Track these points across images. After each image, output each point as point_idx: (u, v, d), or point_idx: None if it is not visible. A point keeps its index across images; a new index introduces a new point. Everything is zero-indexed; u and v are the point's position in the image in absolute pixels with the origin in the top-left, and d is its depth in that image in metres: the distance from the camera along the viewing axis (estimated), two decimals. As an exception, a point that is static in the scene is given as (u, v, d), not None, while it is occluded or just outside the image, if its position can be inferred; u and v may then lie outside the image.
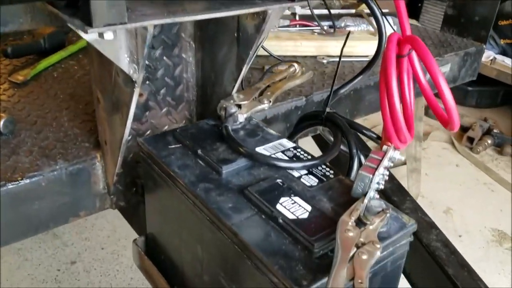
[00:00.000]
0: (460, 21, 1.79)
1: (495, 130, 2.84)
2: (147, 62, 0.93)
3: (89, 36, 0.65)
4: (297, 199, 0.66)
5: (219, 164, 0.71)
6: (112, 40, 0.66)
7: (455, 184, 2.48)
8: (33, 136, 1.01)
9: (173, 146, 0.78)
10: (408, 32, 0.75)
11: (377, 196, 0.66)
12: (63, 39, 1.43)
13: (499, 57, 2.80)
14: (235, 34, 0.87)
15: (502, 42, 2.85)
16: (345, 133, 0.80)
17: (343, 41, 0.86)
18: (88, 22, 0.61)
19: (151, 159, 0.77)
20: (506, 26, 2.81)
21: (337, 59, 0.91)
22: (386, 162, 0.67)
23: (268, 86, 0.94)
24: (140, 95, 0.96)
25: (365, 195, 0.64)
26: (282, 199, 0.65)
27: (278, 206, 0.64)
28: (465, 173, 2.60)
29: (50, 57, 1.34)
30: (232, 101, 0.86)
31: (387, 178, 0.68)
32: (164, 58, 0.96)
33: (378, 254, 0.56)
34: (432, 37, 1.79)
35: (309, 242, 0.58)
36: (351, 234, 0.57)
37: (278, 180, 0.69)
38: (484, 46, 1.76)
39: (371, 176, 0.64)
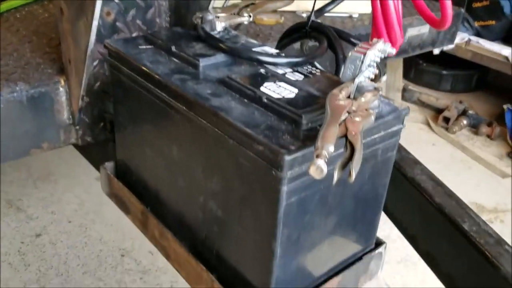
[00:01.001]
0: (437, -14, 1.77)
1: (470, 111, 2.86)
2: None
3: None
4: (282, 84, 0.60)
5: (196, 58, 0.65)
6: None
7: (432, 162, 2.46)
8: (-7, 62, 0.93)
9: (144, 47, 0.71)
10: None
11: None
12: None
13: (474, 39, 2.82)
14: None
15: (476, 24, 2.87)
16: (331, 39, 0.75)
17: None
18: None
19: (120, 59, 0.70)
20: (480, 8, 2.83)
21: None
22: (376, 50, 0.62)
23: (247, 6, 0.88)
24: (108, 13, 0.89)
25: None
26: (266, 84, 0.60)
27: (262, 89, 0.58)
28: (441, 151, 2.60)
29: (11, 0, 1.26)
30: (208, 12, 0.80)
31: (377, 72, 0.63)
32: (136, -20, 0.89)
33: (372, 119, 0.50)
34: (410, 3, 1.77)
35: (297, 114, 0.52)
36: (342, 102, 0.51)
37: (262, 70, 0.63)
38: (462, 10, 1.75)
39: (362, 56, 0.59)
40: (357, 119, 0.49)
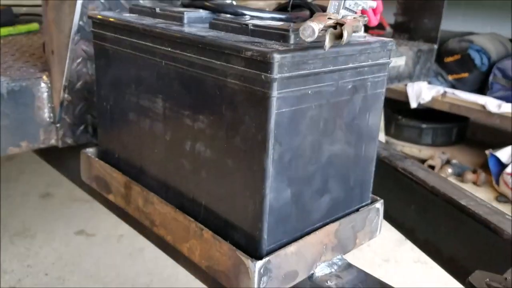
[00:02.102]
0: (410, 26, 1.87)
1: (454, 161, 2.89)
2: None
3: None
4: (267, 21, 0.60)
5: (180, 12, 0.65)
6: None
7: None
8: (-28, 64, 0.92)
9: (127, 14, 0.72)
10: None
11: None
12: (12, 18, 1.38)
13: (449, 90, 2.93)
14: None
15: (450, 77, 3.00)
16: (311, 8, 0.76)
17: None
18: None
19: (104, 26, 0.70)
20: (453, 62, 2.97)
21: None
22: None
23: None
24: (93, 10, 0.91)
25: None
26: (252, 19, 0.60)
27: (248, 20, 0.58)
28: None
29: (-2, 29, 1.28)
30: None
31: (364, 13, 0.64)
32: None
33: (360, 24, 0.50)
34: (385, 41, 1.86)
35: (285, 30, 0.52)
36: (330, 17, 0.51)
37: (246, 18, 0.64)
38: (435, 46, 1.83)
39: (344, -7, 0.60)
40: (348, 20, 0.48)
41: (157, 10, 0.68)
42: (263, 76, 0.48)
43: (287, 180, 0.52)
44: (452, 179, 2.81)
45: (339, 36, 0.45)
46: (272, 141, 0.49)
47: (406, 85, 3.03)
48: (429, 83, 3.05)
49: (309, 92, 0.51)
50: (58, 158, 1.12)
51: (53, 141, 0.93)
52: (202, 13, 0.67)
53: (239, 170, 0.53)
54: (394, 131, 3.31)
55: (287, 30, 0.51)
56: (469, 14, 3.57)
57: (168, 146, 0.63)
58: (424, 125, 3.24)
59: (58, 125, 0.90)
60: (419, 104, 3.07)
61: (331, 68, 0.53)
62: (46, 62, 0.95)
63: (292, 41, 0.51)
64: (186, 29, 0.61)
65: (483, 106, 2.80)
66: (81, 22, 0.84)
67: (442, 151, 3.04)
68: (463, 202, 0.82)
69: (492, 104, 2.77)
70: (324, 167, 0.56)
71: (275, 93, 0.48)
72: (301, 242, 0.55)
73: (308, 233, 0.57)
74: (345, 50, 0.53)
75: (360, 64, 0.56)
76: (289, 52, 0.48)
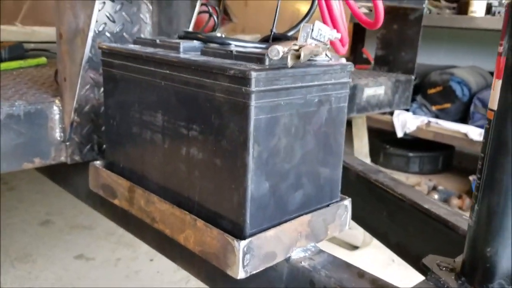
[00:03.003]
0: (389, 59, 2.03)
1: (440, 187, 3.00)
2: (106, 13, 1.03)
3: None
4: (249, 48, 0.73)
5: (177, 43, 0.78)
6: None
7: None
8: (-8, 91, 1.05)
9: (131, 45, 0.85)
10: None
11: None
12: (23, 53, 1.51)
13: (433, 120, 3.08)
14: (190, -24, 1.00)
15: (433, 108, 3.16)
16: (289, 40, 0.90)
17: None
18: None
19: (112, 54, 0.83)
20: (435, 94, 3.14)
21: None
22: (322, 25, 0.76)
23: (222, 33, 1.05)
24: (99, 44, 1.04)
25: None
26: (236, 46, 0.73)
27: (233, 48, 0.71)
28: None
29: (9, 63, 1.41)
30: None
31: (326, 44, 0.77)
32: (123, 13, 1.06)
33: (319, 49, 0.63)
34: (367, 72, 2.01)
35: (261, 54, 0.65)
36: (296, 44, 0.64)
37: (232, 47, 0.77)
38: (413, 77, 1.98)
39: (311, 26, 0.73)
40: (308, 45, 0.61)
41: (157, 41, 0.81)
42: (243, 89, 0.60)
43: (265, 175, 0.64)
44: (439, 205, 2.92)
45: (299, 56, 0.58)
46: (252, 142, 0.61)
47: (392, 115, 3.18)
48: (414, 113, 3.21)
49: (282, 103, 0.63)
50: (64, 175, 1.23)
51: (62, 158, 1.04)
52: (195, 43, 0.79)
53: (226, 168, 0.64)
54: (383, 160, 3.44)
55: (263, 54, 0.64)
56: (451, 48, 3.77)
57: (166, 152, 0.74)
58: (411, 154, 3.37)
59: (67, 143, 1.02)
60: (405, 134, 3.21)
61: (300, 84, 0.65)
62: (58, 89, 1.07)
63: (267, 63, 0.64)
64: (182, 55, 0.73)
65: (466, 135, 2.94)
66: (90, 54, 0.97)
67: (429, 179, 3.16)
68: (426, 206, 0.93)
69: (474, 132, 2.91)
70: (296, 166, 0.68)
71: (253, 103, 0.60)
72: (279, 228, 0.66)
73: (285, 222, 0.67)
74: (311, 70, 0.66)
75: (325, 82, 0.69)
76: (263, 70, 0.60)
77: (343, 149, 0.75)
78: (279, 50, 0.56)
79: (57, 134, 1.02)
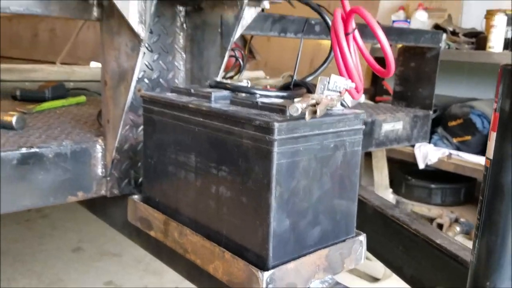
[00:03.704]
0: (407, 95, 2.10)
1: (462, 219, 3.01)
2: (146, 63, 1.15)
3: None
4: (272, 99, 0.82)
5: (209, 92, 0.88)
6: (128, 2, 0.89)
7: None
8: (42, 131, 1.17)
9: (169, 94, 0.95)
10: (348, 7, 1.01)
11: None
12: (64, 92, 1.65)
13: (454, 152, 3.11)
14: (219, 30, 1.11)
15: (454, 140, 3.19)
16: (308, 87, 0.99)
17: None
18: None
19: (152, 102, 0.93)
20: (456, 126, 3.18)
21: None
22: (338, 78, 0.85)
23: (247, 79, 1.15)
24: (139, 89, 1.16)
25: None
26: (260, 99, 0.82)
27: (258, 98, 0.81)
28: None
29: (53, 102, 1.55)
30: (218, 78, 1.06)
31: (343, 93, 0.86)
32: (160, 62, 1.18)
33: (334, 102, 0.71)
34: (385, 107, 2.08)
35: (283, 106, 0.74)
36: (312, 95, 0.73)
37: (257, 96, 0.86)
38: (431, 112, 2.05)
39: (328, 78, 0.82)
40: (324, 99, 0.70)
41: (192, 90, 0.92)
42: (267, 138, 0.69)
43: (286, 213, 0.72)
44: (460, 237, 2.92)
45: (315, 112, 0.67)
46: (274, 184, 0.69)
47: (413, 146, 3.22)
48: (435, 145, 3.24)
49: (301, 148, 0.72)
50: (102, 207, 1.33)
51: (103, 192, 1.14)
52: (225, 92, 0.89)
53: (251, 206, 0.73)
54: (405, 191, 3.46)
55: (284, 106, 0.73)
56: (471, 81, 3.81)
57: (198, 190, 0.84)
58: (433, 186, 3.39)
59: (108, 178, 1.12)
60: (427, 165, 3.24)
61: (317, 132, 0.74)
62: (100, 128, 1.18)
63: (288, 114, 0.73)
64: (213, 105, 0.83)
65: (487, 167, 2.96)
66: (131, 99, 1.08)
67: (451, 210, 3.17)
68: (438, 241, 0.99)
69: (495, 164, 2.93)
70: (314, 204, 0.76)
71: (276, 149, 0.69)
72: (298, 261, 0.74)
73: (304, 255, 0.75)
74: (327, 120, 0.75)
75: (339, 129, 0.77)
76: (285, 121, 0.69)
77: (358, 188, 0.83)
78: (298, 108, 0.65)
79: (99, 170, 1.12)
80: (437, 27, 3.27)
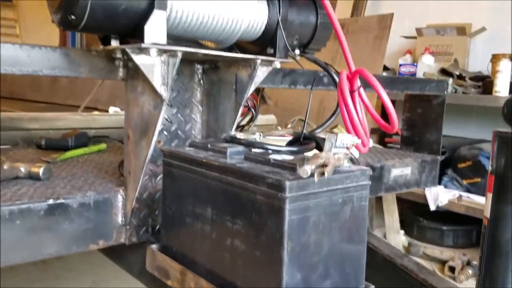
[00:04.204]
0: (414, 140, 2.15)
1: (474, 262, 2.98)
2: (166, 117, 1.23)
3: (138, 58, 0.96)
4: (283, 156, 0.88)
5: (224, 148, 0.95)
6: (152, 63, 0.98)
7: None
8: (66, 181, 1.24)
9: (188, 148, 1.02)
10: (353, 67, 1.08)
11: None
12: (86, 141, 1.73)
13: (464, 194, 3.13)
14: (234, 87, 1.19)
15: (464, 182, 3.21)
16: (317, 141, 1.05)
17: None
18: (141, 41, 0.93)
19: (172, 156, 1.00)
20: (465, 168, 3.20)
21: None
22: (344, 136, 0.91)
23: (259, 132, 1.22)
24: (158, 141, 1.23)
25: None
26: (272, 155, 0.88)
27: (270, 157, 0.87)
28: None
29: (75, 150, 1.63)
30: (232, 133, 1.13)
31: (350, 148, 0.92)
32: (179, 115, 1.26)
33: (342, 162, 0.77)
34: (394, 152, 2.14)
35: (293, 164, 0.80)
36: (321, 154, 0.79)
37: (269, 152, 0.92)
38: (438, 157, 2.09)
39: (335, 136, 0.88)
40: (332, 159, 0.76)
41: (208, 145, 0.98)
42: (279, 195, 0.75)
43: (298, 267, 0.77)
44: (473, 280, 2.89)
45: (323, 173, 0.73)
46: (286, 239, 0.74)
47: (424, 188, 3.24)
48: (445, 187, 3.26)
49: (311, 205, 0.77)
50: (120, 254, 1.38)
51: (122, 240, 1.19)
52: (239, 147, 0.96)
53: (264, 259, 0.78)
54: (417, 232, 3.45)
55: (295, 164, 0.79)
56: (480, 123, 3.85)
57: (214, 242, 0.89)
58: (444, 227, 3.38)
59: (127, 227, 1.18)
60: (438, 207, 3.25)
61: (326, 189, 0.79)
62: (120, 178, 1.25)
63: (298, 171, 0.79)
64: (229, 161, 0.90)
65: (498, 209, 2.96)
66: (151, 151, 1.15)
67: (463, 253, 3.15)
68: (446, 292, 1.02)
69: (506, 207, 2.93)
70: (324, 258, 0.80)
71: (287, 206, 0.74)
72: (309, 312, 0.78)
73: (314, 306, 0.79)
74: (335, 177, 0.81)
75: (347, 185, 0.83)
76: (295, 180, 0.75)
77: (366, 241, 0.88)
78: (307, 170, 0.71)
79: (119, 219, 1.18)
80: (443, 71, 3.36)
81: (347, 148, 0.90)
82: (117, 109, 2.76)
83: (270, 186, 0.76)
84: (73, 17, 0.88)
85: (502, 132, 0.65)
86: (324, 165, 0.74)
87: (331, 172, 0.74)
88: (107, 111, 2.83)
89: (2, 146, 1.68)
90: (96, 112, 2.65)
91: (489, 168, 0.67)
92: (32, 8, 10.53)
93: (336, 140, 0.88)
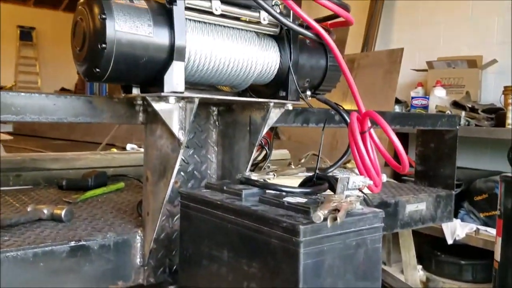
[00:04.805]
0: (429, 174, 2.16)
1: (495, 298, 2.92)
2: (183, 158, 1.27)
3: (158, 105, 1.01)
4: (297, 198, 0.91)
5: (239, 190, 0.98)
6: (170, 109, 1.03)
7: None
8: (87, 222, 1.27)
9: (204, 190, 1.05)
10: (363, 110, 1.12)
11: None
12: (105, 180, 1.78)
13: (482, 228, 3.08)
14: (248, 128, 1.23)
15: (481, 215, 3.17)
16: (330, 181, 1.08)
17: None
18: (161, 90, 0.98)
19: (189, 198, 1.03)
20: (482, 201, 3.17)
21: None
22: (356, 178, 0.94)
23: (273, 171, 1.25)
24: (176, 182, 1.27)
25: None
26: (286, 198, 0.91)
27: (284, 199, 0.90)
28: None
29: (95, 190, 1.67)
30: (247, 173, 1.16)
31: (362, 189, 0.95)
32: (195, 156, 1.30)
33: (354, 205, 0.80)
34: (408, 187, 2.14)
35: (306, 207, 0.83)
36: (334, 197, 0.82)
37: (283, 194, 0.95)
38: (453, 192, 2.09)
39: (347, 178, 0.91)
40: (344, 203, 0.79)
41: (224, 187, 1.02)
42: (294, 239, 0.77)
43: (313, 309, 0.78)
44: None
45: (336, 219, 0.75)
46: (301, 282, 0.76)
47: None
48: (462, 220, 3.23)
49: (325, 248, 0.80)
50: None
51: (140, 281, 1.22)
52: (254, 189, 0.99)
53: (280, 302, 0.80)
54: (435, 267, 3.40)
55: (309, 207, 0.82)
56: (495, 154, 3.84)
57: (230, 284, 0.91)
58: (463, 262, 3.32)
59: (145, 267, 1.21)
60: (455, 240, 3.20)
61: (339, 232, 0.82)
62: (139, 218, 1.28)
63: (311, 214, 0.81)
64: (244, 203, 0.93)
65: (518, 242, 2.92)
66: (169, 192, 1.19)
67: (483, 289, 3.09)
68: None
69: (526, 240, 2.89)
70: (339, 300, 0.82)
71: (302, 250, 0.77)
72: None
73: None
74: (348, 220, 0.83)
75: (360, 228, 0.85)
76: (309, 224, 0.78)
77: (380, 282, 0.89)
78: (320, 216, 0.74)
79: (138, 260, 1.21)
80: (456, 103, 3.37)
81: (359, 190, 0.93)
82: (135, 146, 2.83)
83: (285, 230, 0.79)
84: (97, 70, 0.94)
85: (508, 177, 0.67)
86: (336, 210, 0.76)
87: (344, 217, 0.76)
88: (124, 148, 2.90)
89: (24, 187, 1.74)
90: (114, 150, 2.72)
91: (497, 212, 0.69)
92: (51, 47, 10.92)
93: (348, 182, 0.91)
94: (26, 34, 11.10)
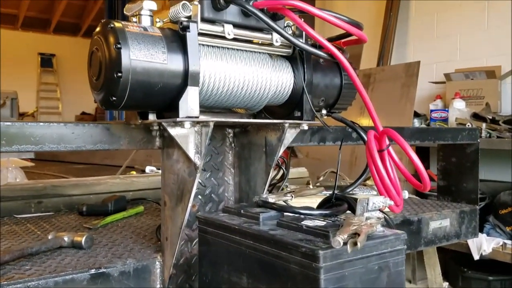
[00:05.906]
0: (451, 189, 2.12)
1: (527, 315, 2.82)
2: (200, 181, 1.27)
3: (174, 130, 1.02)
4: (316, 221, 0.90)
5: (257, 213, 0.97)
6: (186, 134, 1.03)
7: None
8: (107, 248, 1.28)
9: (221, 214, 1.05)
10: (380, 128, 1.10)
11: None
12: (125, 204, 1.79)
13: (509, 242, 3.00)
14: (264, 149, 1.23)
15: (507, 229, 3.09)
16: (349, 201, 1.06)
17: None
18: (176, 115, 0.99)
19: (207, 223, 1.03)
20: (507, 214, 3.09)
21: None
22: (375, 199, 0.92)
23: (291, 192, 1.24)
24: (193, 206, 1.27)
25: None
26: (304, 221, 0.90)
27: (302, 223, 0.88)
28: None
29: (115, 215, 1.68)
30: (264, 195, 1.15)
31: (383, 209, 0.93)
32: (212, 179, 1.30)
33: (374, 228, 0.78)
34: (431, 203, 2.10)
35: (325, 231, 0.81)
36: (354, 220, 0.80)
37: (302, 217, 0.94)
38: (477, 206, 2.04)
39: (366, 200, 0.89)
40: (364, 226, 0.77)
41: (242, 211, 1.01)
42: (313, 265, 0.76)
43: (335, 336, 0.76)
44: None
45: (356, 243, 0.74)
46: (322, 309, 0.75)
47: (465, 237, 3.13)
48: (488, 234, 3.14)
49: (346, 273, 0.78)
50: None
51: (159, 307, 1.21)
52: (272, 212, 0.98)
53: (302, 328, 0.78)
54: (462, 284, 3.31)
55: (328, 231, 0.80)
56: (520, 165, 3.74)
57: (252, 311, 0.89)
58: (491, 278, 3.22)
59: (165, 294, 1.20)
60: (482, 256, 3.12)
61: (360, 256, 0.80)
62: (158, 243, 1.28)
63: (331, 238, 0.80)
64: (262, 227, 0.91)
65: (547, 257, 2.82)
66: (187, 216, 1.19)
67: (514, 305, 2.98)
68: None
69: (555, 254, 2.79)
70: (362, 326, 0.80)
71: (322, 276, 0.75)
72: None
73: None
74: (369, 243, 0.81)
75: (382, 251, 0.83)
76: (329, 248, 0.76)
77: (403, 305, 0.86)
78: (340, 241, 0.72)
79: (158, 286, 1.20)
80: (476, 115, 3.32)
81: (380, 210, 0.91)
82: (154, 168, 2.84)
83: (304, 256, 0.78)
84: (114, 98, 0.95)
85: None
86: (356, 234, 0.75)
87: (364, 241, 0.74)
88: (144, 170, 2.92)
89: (46, 213, 1.76)
90: (133, 173, 2.74)
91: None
92: (71, 72, 11.18)
93: (367, 204, 0.89)
94: (46, 61, 11.41)
